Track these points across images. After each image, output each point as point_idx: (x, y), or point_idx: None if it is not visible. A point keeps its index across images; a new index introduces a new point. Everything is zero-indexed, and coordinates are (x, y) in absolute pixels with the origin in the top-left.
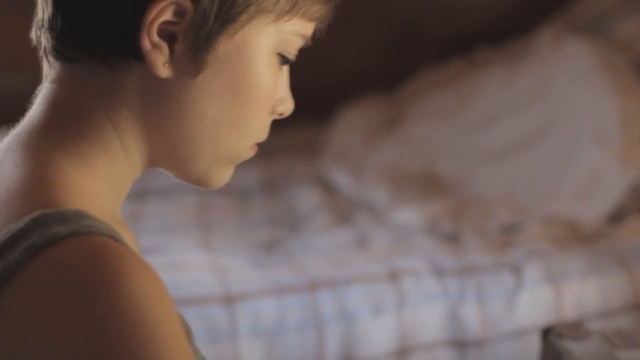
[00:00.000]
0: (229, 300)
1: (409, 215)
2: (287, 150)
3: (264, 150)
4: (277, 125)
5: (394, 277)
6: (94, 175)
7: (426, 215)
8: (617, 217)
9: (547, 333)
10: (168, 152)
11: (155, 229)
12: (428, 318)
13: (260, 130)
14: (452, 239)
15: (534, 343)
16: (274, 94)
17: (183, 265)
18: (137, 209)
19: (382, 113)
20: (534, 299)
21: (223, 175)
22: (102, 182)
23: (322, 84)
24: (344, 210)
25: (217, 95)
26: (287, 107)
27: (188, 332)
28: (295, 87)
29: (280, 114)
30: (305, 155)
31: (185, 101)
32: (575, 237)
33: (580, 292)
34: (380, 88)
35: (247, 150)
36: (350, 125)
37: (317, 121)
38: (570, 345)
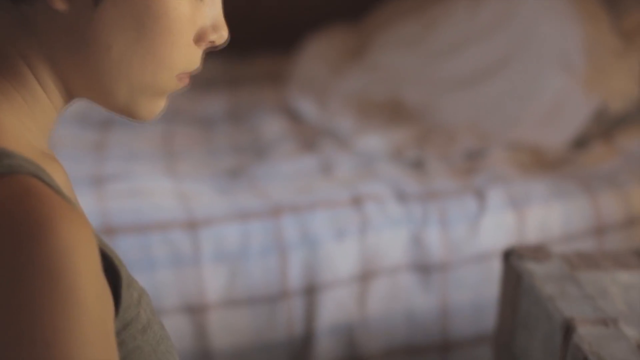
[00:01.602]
0: (192, 225)
1: (373, 142)
2: (253, 80)
3: (230, 79)
4: (244, 55)
5: (357, 202)
6: (16, 111)
7: (391, 142)
8: (580, 143)
9: (508, 255)
10: (85, 86)
11: (120, 157)
12: (391, 242)
13: (184, 61)
14: (417, 165)
15: (497, 267)
16: (193, 23)
17: (147, 192)
18: (102, 138)
19: (348, 42)
20: (497, 224)
21: (150, 108)
22: (25, 117)
23: (289, 14)
24: (309, 138)
25: (120, 27)
26: (220, 35)
27: (119, 265)
28: (262, 17)
29: (212, 43)
30: (271, 84)
31: (88, 34)
32: (539, 162)
33: (543, 216)
34: (347, 17)
35: (171, 81)
36: (317, 54)
37: (284, 51)
38: (531, 267)
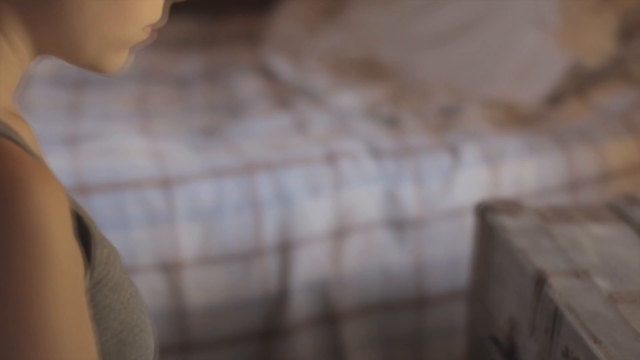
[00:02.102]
0: (166, 183)
1: (348, 99)
2: (228, 39)
3: (205, 39)
4: (219, 14)
5: (331, 158)
6: None
7: (365, 99)
8: (555, 99)
9: (481, 209)
10: (54, 42)
11: (94, 116)
12: (365, 199)
13: (150, 13)
14: (391, 122)
15: (471, 222)
16: None
17: (121, 150)
18: (76, 98)
19: (323, 1)
20: (471, 179)
21: (116, 60)
22: None
23: None
24: (283, 96)
25: None
26: None
27: (90, 224)
28: None
29: None
30: (246, 43)
31: None
32: (514, 118)
33: (517, 171)
34: None
35: (137, 34)
36: (292, 13)
37: (258, 10)
38: (504, 220)
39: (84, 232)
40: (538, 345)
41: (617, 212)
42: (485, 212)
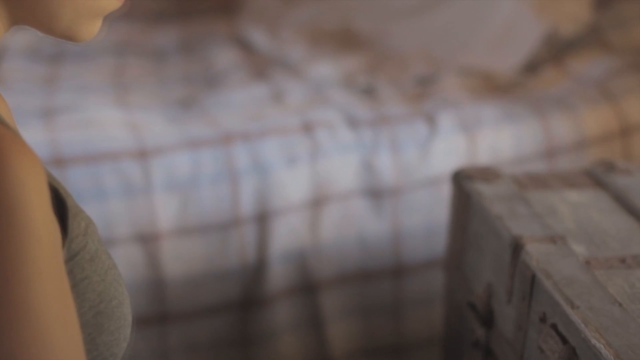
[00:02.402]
0: (142, 155)
1: (324, 69)
2: (205, 12)
3: (181, 12)
4: None
5: (308, 128)
6: None
7: (342, 69)
8: (531, 67)
9: (457, 176)
10: (29, 12)
11: (71, 89)
12: (342, 168)
13: None
14: (368, 92)
15: (448, 191)
16: None
17: (97, 123)
18: (53, 71)
19: None
20: (448, 148)
21: (90, 29)
22: None
23: None
24: (260, 68)
25: None
26: None
27: (65, 196)
28: None
29: None
30: (222, 15)
31: None
32: (490, 87)
33: (493, 139)
34: None
35: (111, 3)
36: None
37: None
38: (480, 187)
39: (61, 205)
40: (515, 311)
41: (594, 178)
42: (462, 180)
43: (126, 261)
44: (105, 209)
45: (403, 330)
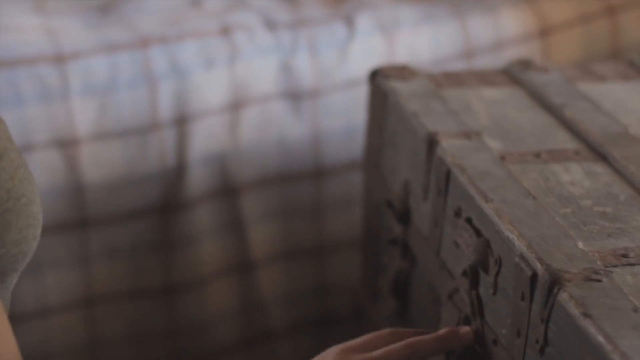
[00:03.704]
0: (59, 59)
1: None
2: None
3: None
4: None
5: (226, 31)
6: None
7: None
8: None
9: (374, 75)
10: None
11: None
12: (261, 71)
13: None
14: None
15: (367, 92)
16: None
17: (13, 28)
18: None
19: None
20: (366, 49)
21: None
22: None
23: None
24: None
25: None
26: None
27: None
28: None
29: None
30: None
31: None
32: None
33: (412, 41)
34: None
35: None
36: None
37: None
38: (397, 85)
39: None
40: (431, 207)
41: (511, 76)
42: (379, 79)
43: (45, 167)
44: (22, 115)
45: (324, 232)
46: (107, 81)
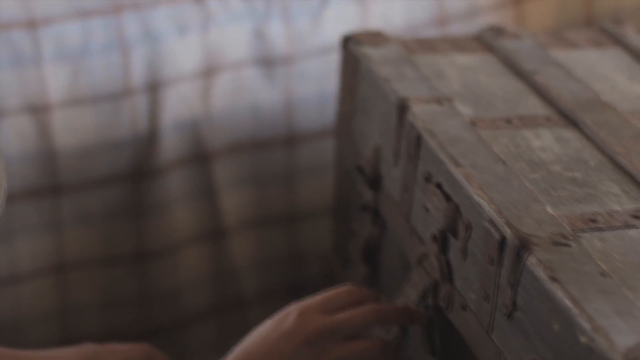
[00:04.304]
0: (32, 24)
1: None
2: None
3: None
4: None
5: None
6: None
7: None
8: None
9: (346, 41)
10: None
11: None
12: (234, 37)
13: None
14: None
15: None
16: None
17: None
18: None
19: None
20: (340, 16)
21: None
22: None
23: None
24: None
25: None
26: None
27: None
28: None
29: None
30: None
31: None
32: None
33: (386, 7)
34: None
35: None
36: None
37: None
38: (369, 51)
39: None
40: (402, 173)
41: (483, 42)
42: (350, 44)
43: (17, 133)
44: None
45: (296, 199)
46: (80, 47)
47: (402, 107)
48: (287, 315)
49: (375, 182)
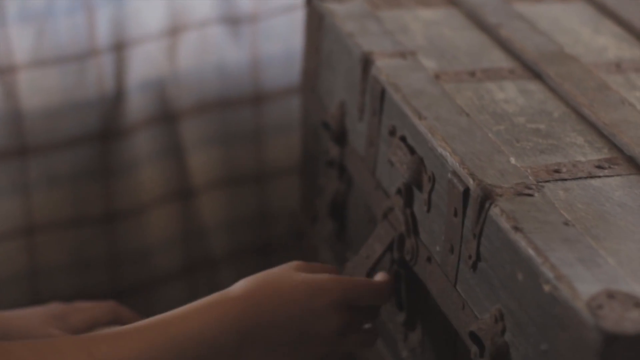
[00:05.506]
0: None
1: None
2: None
3: None
4: None
5: None
6: None
7: None
8: None
9: None
10: None
11: None
12: None
13: None
14: None
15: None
16: None
17: None
18: None
19: None
20: None
21: None
22: None
23: None
24: None
25: None
26: None
27: None
28: None
29: None
30: None
31: None
32: None
33: None
34: None
35: None
36: None
37: None
38: (333, 7)
39: None
40: (367, 127)
41: None
42: (314, 0)
43: None
44: None
45: (264, 157)
46: (44, 7)
47: (366, 62)
48: (322, 296)
49: (340, 137)
